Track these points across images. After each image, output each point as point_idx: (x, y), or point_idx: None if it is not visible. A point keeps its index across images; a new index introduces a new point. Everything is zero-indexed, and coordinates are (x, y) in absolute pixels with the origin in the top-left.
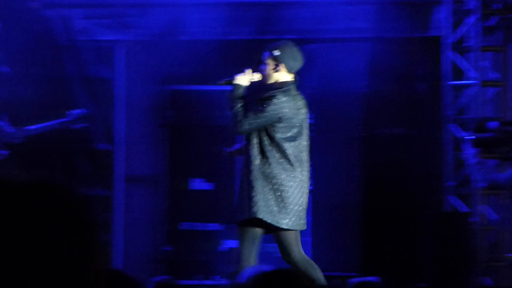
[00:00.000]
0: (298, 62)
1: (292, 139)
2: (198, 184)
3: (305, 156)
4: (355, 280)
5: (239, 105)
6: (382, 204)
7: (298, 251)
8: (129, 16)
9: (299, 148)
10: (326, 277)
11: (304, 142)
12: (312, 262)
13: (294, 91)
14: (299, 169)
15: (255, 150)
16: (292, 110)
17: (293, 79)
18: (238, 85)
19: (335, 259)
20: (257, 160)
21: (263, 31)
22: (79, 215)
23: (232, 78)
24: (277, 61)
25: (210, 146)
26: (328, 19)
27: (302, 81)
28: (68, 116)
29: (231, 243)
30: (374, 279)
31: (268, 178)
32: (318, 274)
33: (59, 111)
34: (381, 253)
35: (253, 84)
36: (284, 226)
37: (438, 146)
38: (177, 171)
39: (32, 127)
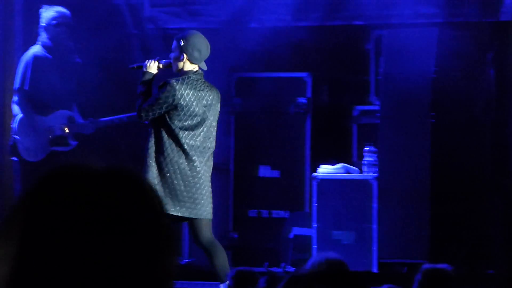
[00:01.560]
0: (202, 53)
1: (191, 128)
2: (264, 171)
3: (208, 146)
4: (427, 266)
5: (142, 92)
6: (451, 190)
7: (202, 237)
8: (197, 3)
9: (198, 138)
10: (392, 264)
11: (207, 132)
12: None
13: (197, 81)
14: (198, 158)
15: (151, 138)
16: (191, 100)
17: (197, 69)
18: (146, 72)
19: (402, 246)
20: (152, 148)
21: (331, 17)
22: (153, 203)
23: (143, 64)
24: (181, 51)
25: (277, 133)
26: (396, 4)
27: (368, 66)
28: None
29: (297, 230)
30: (446, 266)
31: (162, 166)
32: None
33: (130, 103)
34: (449, 240)
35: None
36: (176, 213)
37: (508, 131)
38: (243, 158)
39: (103, 119)
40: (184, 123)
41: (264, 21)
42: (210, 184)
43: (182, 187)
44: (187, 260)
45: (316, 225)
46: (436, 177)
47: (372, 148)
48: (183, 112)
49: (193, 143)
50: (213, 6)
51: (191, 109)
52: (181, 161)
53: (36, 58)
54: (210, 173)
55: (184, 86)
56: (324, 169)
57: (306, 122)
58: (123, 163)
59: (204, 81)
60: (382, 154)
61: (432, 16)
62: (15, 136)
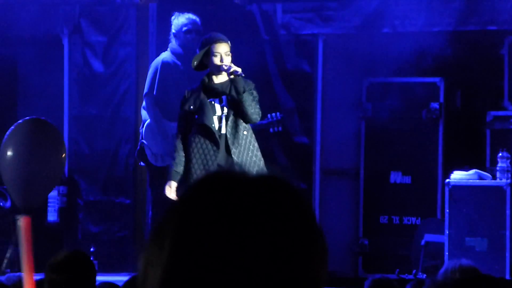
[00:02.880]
0: None
1: None
2: (395, 176)
3: None
4: None
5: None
6: None
7: None
8: (330, 9)
9: None
10: None
11: None
12: None
13: None
14: None
15: (254, 138)
16: None
17: None
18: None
19: None
20: (257, 146)
21: (464, 22)
22: (307, 211)
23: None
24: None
25: (408, 138)
26: None
27: (503, 72)
28: (267, 118)
29: (429, 237)
30: None
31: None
32: None
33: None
34: None
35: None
36: None
37: None
38: (374, 164)
39: None
40: None
41: (396, 26)
42: None
43: None
44: None
45: (448, 232)
46: None
47: (506, 154)
48: None
49: None
50: (345, 12)
51: None
52: None
53: (164, 64)
54: None
55: None
56: (457, 175)
57: (438, 128)
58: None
59: None
60: None
61: None
62: (142, 141)
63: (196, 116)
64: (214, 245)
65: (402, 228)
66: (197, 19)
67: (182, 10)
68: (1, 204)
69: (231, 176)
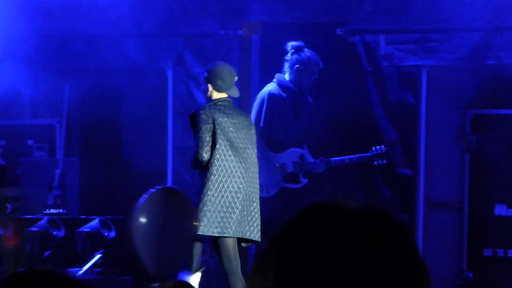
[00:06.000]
0: (225, 81)
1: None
2: (500, 209)
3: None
4: None
5: None
6: None
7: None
8: (433, 41)
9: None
10: None
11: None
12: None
13: (226, 108)
14: (220, 177)
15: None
16: (222, 124)
17: (225, 97)
18: None
19: None
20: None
21: None
22: (410, 244)
23: None
24: (207, 82)
25: None
26: None
27: None
28: (372, 151)
29: None
30: None
31: None
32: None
33: (363, 143)
34: None
35: None
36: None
37: None
38: (479, 196)
39: (334, 158)
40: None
41: (502, 57)
42: (253, 205)
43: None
44: None
45: None
46: None
47: None
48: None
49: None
50: (449, 43)
51: (224, 134)
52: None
53: (271, 96)
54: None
55: (212, 112)
56: None
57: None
58: (358, 198)
59: (232, 107)
60: None
61: None
62: None
63: None
64: (318, 275)
65: (507, 261)
66: (312, 57)
67: (285, 41)
68: (106, 234)
69: (334, 207)
